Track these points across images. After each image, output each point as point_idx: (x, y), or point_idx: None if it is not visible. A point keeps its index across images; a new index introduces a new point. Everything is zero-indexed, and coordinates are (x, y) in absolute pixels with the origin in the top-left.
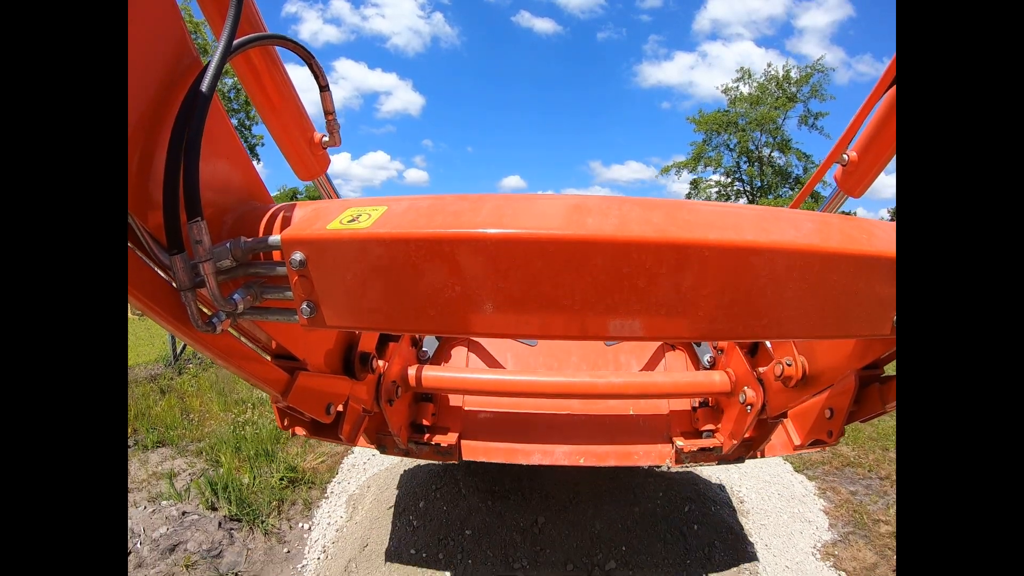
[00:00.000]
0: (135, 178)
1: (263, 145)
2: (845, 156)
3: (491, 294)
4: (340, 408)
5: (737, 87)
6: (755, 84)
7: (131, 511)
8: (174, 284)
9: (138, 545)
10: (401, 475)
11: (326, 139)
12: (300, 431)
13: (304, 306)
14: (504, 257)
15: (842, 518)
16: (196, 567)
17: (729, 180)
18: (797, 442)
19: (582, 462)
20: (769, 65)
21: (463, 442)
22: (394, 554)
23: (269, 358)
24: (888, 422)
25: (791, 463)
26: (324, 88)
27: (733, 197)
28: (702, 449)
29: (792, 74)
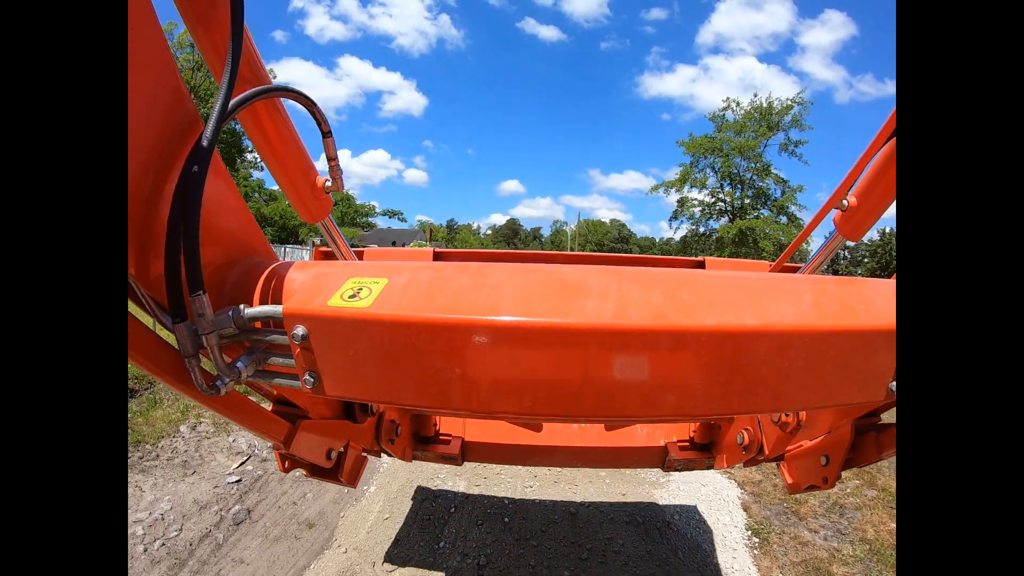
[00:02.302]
0: (136, 245)
1: None
2: (845, 201)
3: (490, 377)
4: (340, 449)
5: (724, 115)
6: (741, 112)
7: (246, 433)
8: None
9: (256, 449)
10: None
11: (329, 184)
12: (302, 471)
13: (307, 376)
14: (503, 344)
15: None
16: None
17: (712, 200)
18: (793, 486)
19: (579, 465)
20: (755, 95)
21: (467, 445)
22: None
23: (270, 405)
24: None
25: None
26: (327, 134)
27: (715, 216)
28: (692, 460)
29: (775, 105)
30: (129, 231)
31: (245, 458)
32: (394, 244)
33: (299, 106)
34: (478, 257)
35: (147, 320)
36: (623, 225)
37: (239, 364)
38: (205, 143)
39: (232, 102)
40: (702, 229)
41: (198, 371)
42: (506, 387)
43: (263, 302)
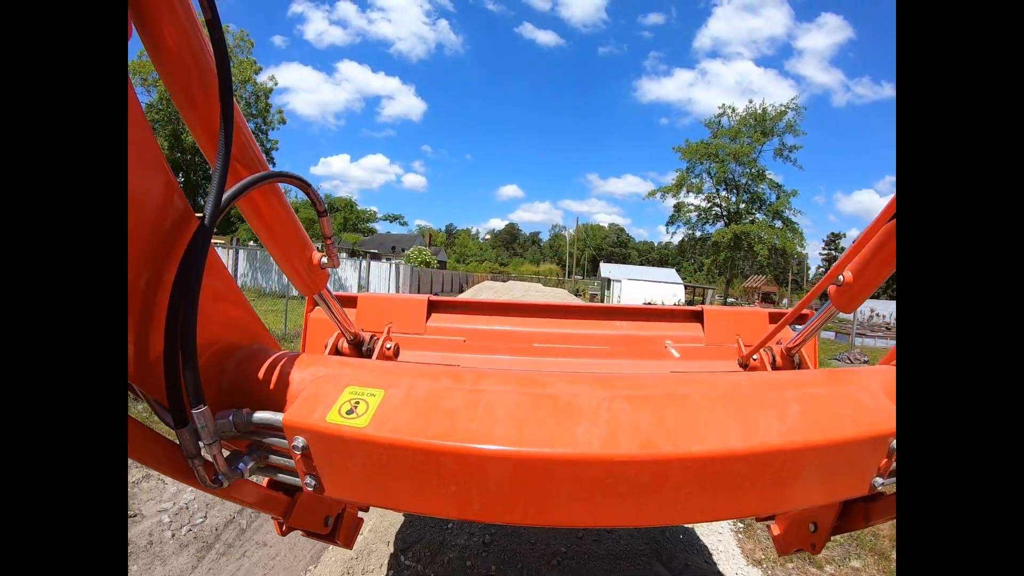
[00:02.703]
0: (135, 350)
1: (278, 150)
2: (841, 277)
3: (484, 494)
4: (338, 513)
5: (719, 121)
6: (737, 118)
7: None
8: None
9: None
10: None
11: (325, 260)
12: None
13: (307, 479)
14: (496, 469)
15: None
16: None
17: (708, 205)
18: (781, 547)
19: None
20: (750, 102)
21: None
22: None
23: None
24: None
25: None
26: (322, 214)
27: (711, 221)
28: None
29: (769, 111)
30: (129, 336)
31: None
32: (394, 249)
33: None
34: (473, 307)
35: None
36: (621, 229)
37: (241, 465)
38: (200, 240)
39: (226, 196)
40: (698, 233)
41: (201, 469)
42: (499, 502)
43: (262, 399)
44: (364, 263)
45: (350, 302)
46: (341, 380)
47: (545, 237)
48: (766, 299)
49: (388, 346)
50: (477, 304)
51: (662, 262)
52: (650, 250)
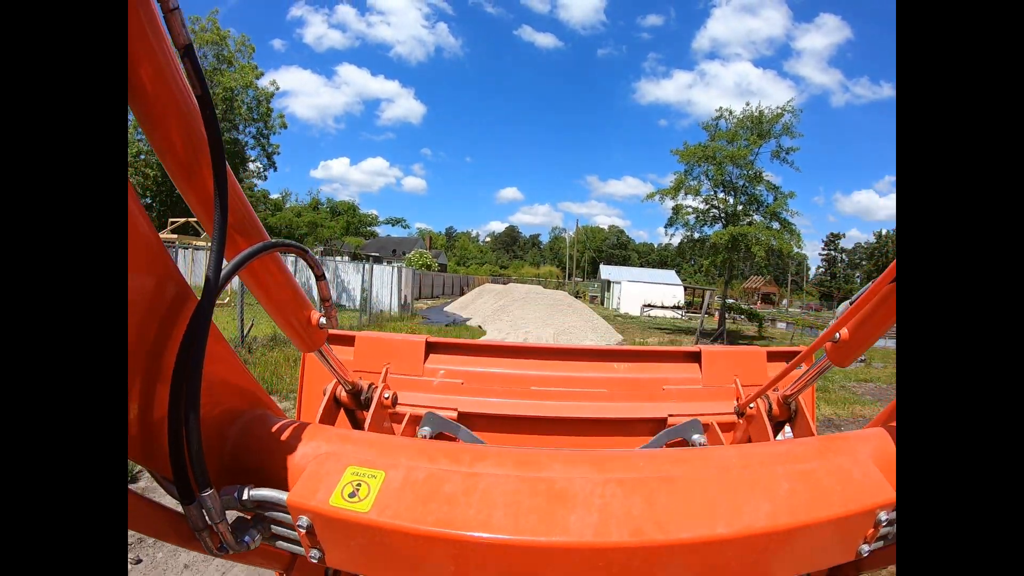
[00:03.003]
0: (140, 432)
1: (279, 154)
2: (837, 335)
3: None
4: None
5: (717, 124)
6: (734, 121)
7: None
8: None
9: None
10: None
11: (323, 321)
12: None
13: (312, 551)
14: (492, 555)
15: None
16: None
17: (706, 207)
18: None
19: None
20: (747, 104)
21: None
22: None
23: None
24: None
25: None
26: (320, 278)
27: (709, 223)
28: None
29: (766, 114)
30: (129, 417)
31: None
32: (394, 252)
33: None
34: (471, 349)
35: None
36: (621, 231)
37: (246, 538)
38: (200, 323)
39: (224, 271)
40: (696, 235)
41: (208, 540)
42: None
43: (265, 472)
44: (367, 266)
45: (347, 341)
46: (342, 459)
47: (545, 239)
48: (766, 299)
49: (387, 395)
50: (475, 346)
51: (662, 264)
52: (650, 252)
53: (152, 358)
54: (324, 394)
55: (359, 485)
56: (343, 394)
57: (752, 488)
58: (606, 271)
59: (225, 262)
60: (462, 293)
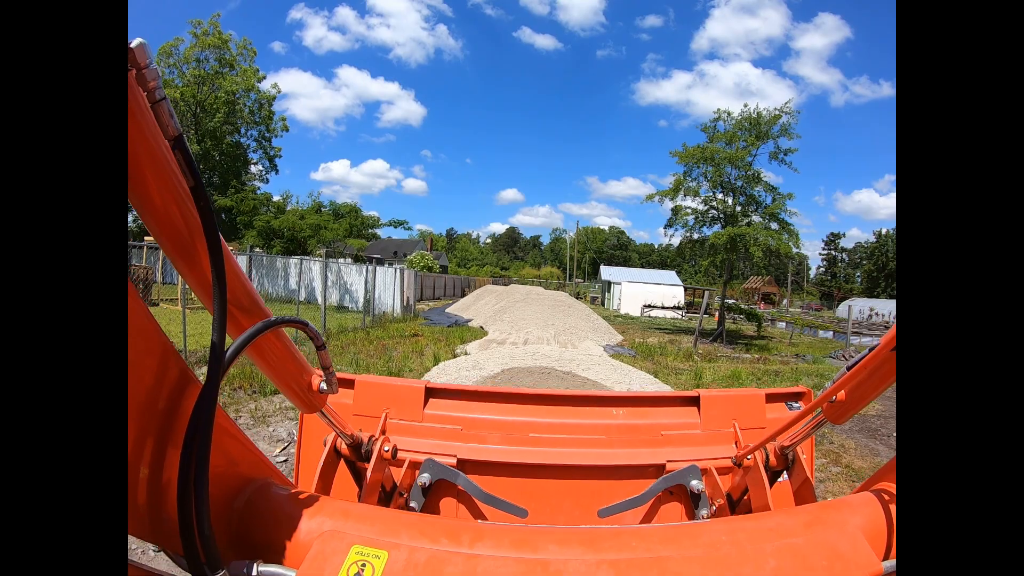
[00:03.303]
0: (150, 515)
1: (281, 157)
2: (834, 397)
3: None
4: None
5: (715, 126)
6: (732, 122)
7: (283, 424)
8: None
9: (295, 436)
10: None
11: (324, 387)
12: None
13: None
14: None
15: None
16: None
17: (705, 208)
18: None
19: None
20: (745, 105)
21: None
22: None
23: None
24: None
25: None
26: (320, 348)
27: (708, 223)
28: None
29: (763, 115)
30: (137, 500)
31: (287, 443)
32: (395, 254)
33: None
34: (469, 395)
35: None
36: (622, 232)
37: None
38: (205, 410)
39: (228, 353)
40: (696, 236)
41: None
42: None
43: (270, 546)
44: (370, 268)
45: (347, 384)
46: (346, 537)
47: (546, 241)
48: (766, 299)
49: (386, 448)
50: (474, 392)
51: (662, 264)
52: (651, 252)
53: (158, 440)
54: (324, 445)
55: (364, 566)
56: (343, 446)
57: (741, 566)
58: (607, 272)
59: (228, 338)
60: (463, 294)
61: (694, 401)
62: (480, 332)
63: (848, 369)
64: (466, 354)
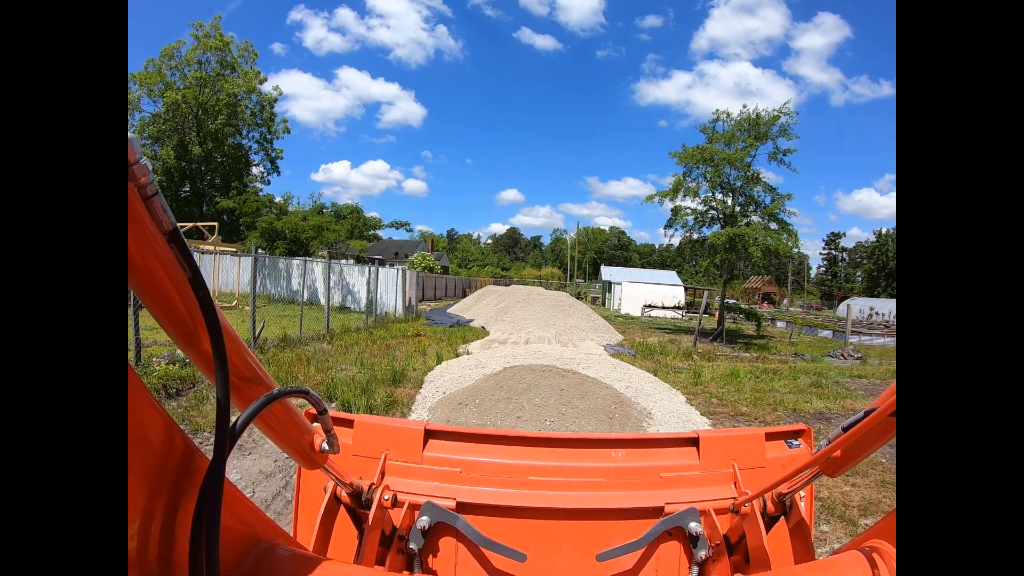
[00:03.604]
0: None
1: (283, 159)
2: (831, 456)
3: None
4: None
5: (714, 127)
6: (731, 123)
7: None
8: None
9: None
10: (460, 391)
11: (326, 447)
12: None
13: None
14: None
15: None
16: None
17: (705, 208)
18: None
19: None
20: (744, 106)
21: None
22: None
23: None
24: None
25: (697, 408)
26: (323, 412)
27: (708, 224)
28: None
29: (762, 116)
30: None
31: None
32: (396, 255)
33: None
34: (469, 437)
35: None
36: (622, 232)
37: None
38: (213, 486)
39: (235, 427)
40: (695, 236)
41: None
42: None
43: None
44: (372, 269)
45: (346, 424)
46: None
47: (546, 241)
48: (767, 299)
49: (387, 497)
50: (474, 434)
51: (663, 264)
52: (651, 252)
53: (166, 516)
54: (325, 492)
55: None
56: (343, 493)
57: None
58: (607, 272)
59: (235, 410)
60: (464, 295)
61: (693, 442)
62: (482, 332)
63: (844, 430)
64: (468, 353)
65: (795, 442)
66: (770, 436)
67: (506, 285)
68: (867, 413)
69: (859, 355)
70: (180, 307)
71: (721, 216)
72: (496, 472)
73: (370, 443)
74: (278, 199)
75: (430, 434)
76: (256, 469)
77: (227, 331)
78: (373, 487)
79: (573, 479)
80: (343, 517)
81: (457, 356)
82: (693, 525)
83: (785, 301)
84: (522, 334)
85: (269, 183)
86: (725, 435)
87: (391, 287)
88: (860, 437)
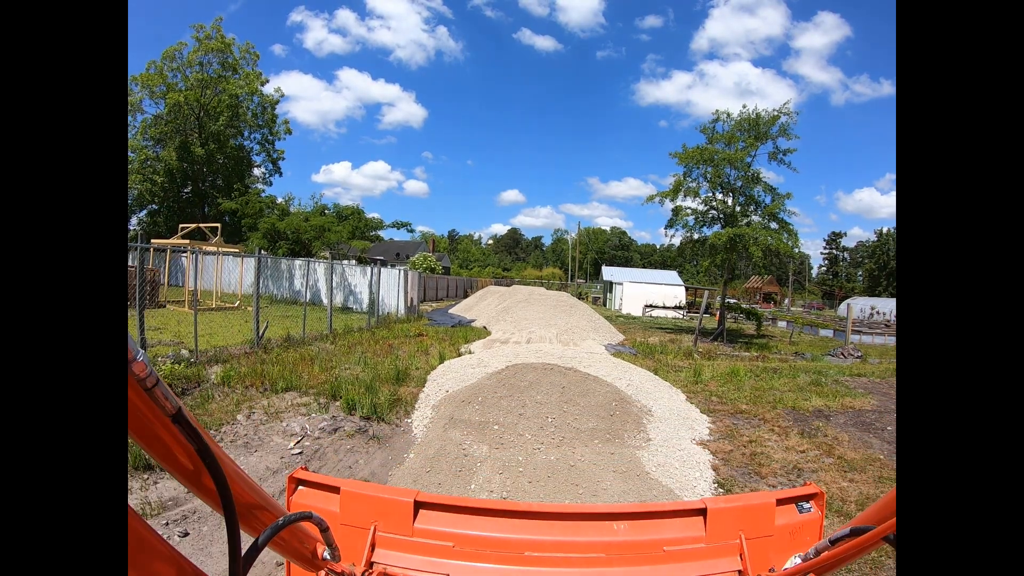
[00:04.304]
0: None
1: (284, 160)
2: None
3: None
4: None
5: (714, 127)
6: (731, 123)
7: (296, 420)
8: None
9: (308, 430)
10: (463, 389)
11: (328, 556)
12: None
13: None
14: None
15: (718, 432)
16: (354, 436)
17: (705, 208)
18: None
19: None
20: (744, 107)
21: None
22: (463, 423)
23: None
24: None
25: (696, 406)
26: (324, 531)
27: (708, 224)
28: None
29: (762, 116)
30: None
31: (300, 437)
32: (398, 256)
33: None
34: (461, 509)
35: None
36: (623, 233)
37: None
38: None
39: (244, 558)
40: (696, 236)
41: None
42: None
43: None
44: (374, 270)
45: (332, 490)
46: None
47: (547, 241)
48: (767, 299)
49: None
50: (466, 506)
51: (664, 264)
52: (652, 252)
53: None
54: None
55: None
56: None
57: None
58: (608, 272)
59: (246, 537)
60: (466, 295)
61: (700, 512)
62: (483, 332)
63: (832, 543)
64: (470, 353)
65: (807, 505)
66: (781, 501)
67: (507, 285)
68: (856, 532)
69: (859, 354)
70: (188, 466)
71: (721, 216)
72: (490, 547)
73: (358, 513)
74: (280, 200)
75: (420, 505)
76: (263, 466)
77: (228, 471)
78: (366, 574)
79: (572, 554)
80: None
81: (459, 355)
82: None
83: (786, 301)
84: (523, 334)
85: (271, 184)
86: (733, 504)
87: (393, 287)
88: (845, 556)
